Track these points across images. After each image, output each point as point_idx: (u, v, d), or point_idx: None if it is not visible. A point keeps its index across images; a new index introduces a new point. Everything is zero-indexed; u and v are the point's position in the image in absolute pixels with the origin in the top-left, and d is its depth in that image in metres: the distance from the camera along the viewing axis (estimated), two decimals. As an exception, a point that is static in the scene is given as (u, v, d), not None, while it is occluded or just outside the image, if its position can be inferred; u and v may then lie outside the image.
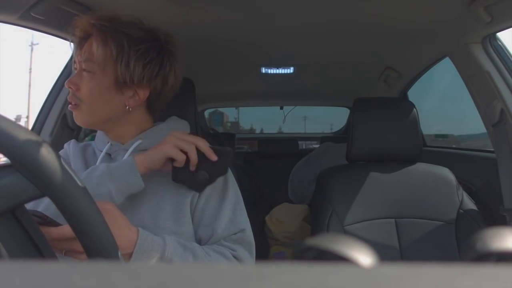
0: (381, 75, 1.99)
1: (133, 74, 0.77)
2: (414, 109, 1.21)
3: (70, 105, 0.80)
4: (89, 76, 0.78)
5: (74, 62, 0.81)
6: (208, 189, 0.78)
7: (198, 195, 0.77)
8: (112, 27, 0.76)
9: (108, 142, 0.83)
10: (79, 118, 0.80)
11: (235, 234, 0.76)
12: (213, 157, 0.73)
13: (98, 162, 0.80)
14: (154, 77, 0.80)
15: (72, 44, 0.82)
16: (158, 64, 0.80)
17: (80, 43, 0.80)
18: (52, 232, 0.55)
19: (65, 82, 0.79)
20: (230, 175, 0.83)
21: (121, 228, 0.62)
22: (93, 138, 0.91)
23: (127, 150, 0.80)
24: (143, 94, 0.81)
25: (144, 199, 0.74)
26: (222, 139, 2.51)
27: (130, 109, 0.81)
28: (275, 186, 2.37)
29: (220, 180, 0.79)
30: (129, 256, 0.62)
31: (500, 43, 1.21)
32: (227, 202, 0.78)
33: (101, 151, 0.84)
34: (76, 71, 0.80)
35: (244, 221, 0.78)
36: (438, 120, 2.90)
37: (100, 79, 0.78)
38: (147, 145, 0.81)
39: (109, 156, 0.82)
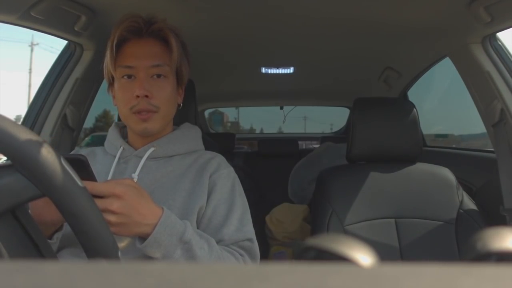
0: (381, 75, 1.99)
1: (187, 73, 0.84)
2: (414, 109, 1.21)
3: (140, 116, 0.76)
4: (165, 81, 0.79)
5: (130, 67, 0.77)
6: (215, 199, 0.78)
7: (206, 204, 0.77)
8: (173, 31, 0.80)
9: (120, 147, 0.82)
10: (153, 126, 0.78)
11: (242, 241, 0.76)
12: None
13: (112, 168, 0.79)
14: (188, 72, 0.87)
15: (111, 51, 0.77)
16: (189, 60, 0.87)
17: (114, 47, 0.77)
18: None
19: (137, 92, 0.74)
20: (238, 185, 0.83)
21: (147, 199, 0.62)
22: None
23: (139, 157, 0.80)
24: (182, 90, 0.87)
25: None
26: (222, 139, 2.51)
27: (181, 105, 0.87)
28: (275, 186, 2.36)
29: (227, 189, 0.80)
30: (152, 227, 0.61)
31: (500, 43, 1.21)
32: (234, 212, 0.77)
33: (111, 155, 0.84)
34: (134, 78, 0.77)
35: (251, 231, 0.78)
36: (438, 120, 2.90)
37: (172, 82, 0.81)
38: (159, 153, 0.81)
39: (118, 160, 0.82)
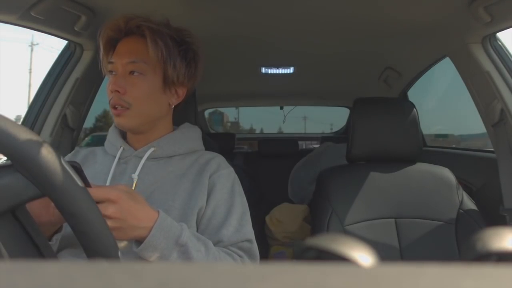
0: (381, 75, 1.99)
1: (179, 74, 0.81)
2: (414, 109, 1.21)
3: (115, 111, 0.77)
4: (140, 78, 0.78)
5: (112, 63, 0.79)
6: (215, 200, 0.78)
7: (205, 205, 0.77)
8: (158, 28, 0.78)
9: (120, 147, 0.82)
10: (126, 122, 0.79)
11: (241, 242, 0.75)
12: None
13: (112, 168, 0.79)
14: (192, 76, 0.85)
15: (101, 48, 0.81)
16: (194, 64, 0.84)
17: (108, 45, 0.80)
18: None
19: (110, 87, 0.77)
20: (238, 185, 0.83)
21: (142, 203, 0.63)
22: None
23: (139, 157, 0.80)
24: (182, 92, 0.85)
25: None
26: (222, 139, 2.51)
27: (173, 106, 0.85)
28: (275, 186, 2.37)
29: (227, 190, 0.80)
30: (148, 230, 0.61)
31: (500, 43, 1.21)
32: (233, 212, 0.77)
33: (111, 155, 0.84)
34: (115, 74, 0.79)
35: (250, 232, 0.78)
36: (438, 120, 2.90)
37: (152, 80, 0.79)
38: (160, 153, 0.81)
39: (118, 160, 0.82)
